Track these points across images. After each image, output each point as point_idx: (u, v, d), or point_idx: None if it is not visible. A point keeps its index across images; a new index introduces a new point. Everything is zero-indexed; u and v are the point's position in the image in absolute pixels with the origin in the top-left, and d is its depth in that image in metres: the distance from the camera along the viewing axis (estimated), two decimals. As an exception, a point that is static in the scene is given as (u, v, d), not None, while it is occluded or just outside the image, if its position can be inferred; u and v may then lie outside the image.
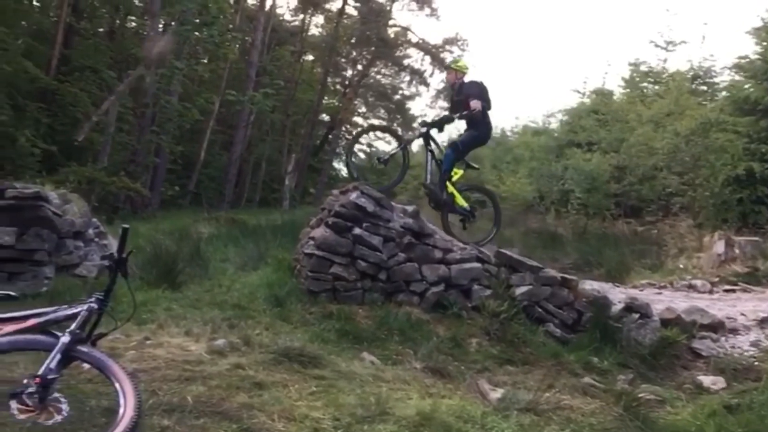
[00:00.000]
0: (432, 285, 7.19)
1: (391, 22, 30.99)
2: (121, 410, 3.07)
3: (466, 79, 8.10)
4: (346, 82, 34.06)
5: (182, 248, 8.50)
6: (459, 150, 7.86)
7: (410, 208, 7.53)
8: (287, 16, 32.53)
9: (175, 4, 16.65)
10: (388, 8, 30.45)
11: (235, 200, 24.72)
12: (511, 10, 74.84)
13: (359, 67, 33.03)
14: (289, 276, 7.76)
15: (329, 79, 32.33)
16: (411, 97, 34.56)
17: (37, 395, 2.97)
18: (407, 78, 33.54)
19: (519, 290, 7.22)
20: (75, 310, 3.49)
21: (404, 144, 8.07)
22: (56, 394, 3.05)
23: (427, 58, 31.78)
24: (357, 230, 7.03)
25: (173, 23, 16.98)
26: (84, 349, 3.34)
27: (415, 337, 6.37)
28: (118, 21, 24.87)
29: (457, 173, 7.91)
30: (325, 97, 32.04)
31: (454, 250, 7.39)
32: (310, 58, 33.78)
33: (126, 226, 3.71)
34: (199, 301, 6.72)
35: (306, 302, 6.84)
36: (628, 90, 21.03)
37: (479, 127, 7.94)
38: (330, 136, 34.47)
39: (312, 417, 3.81)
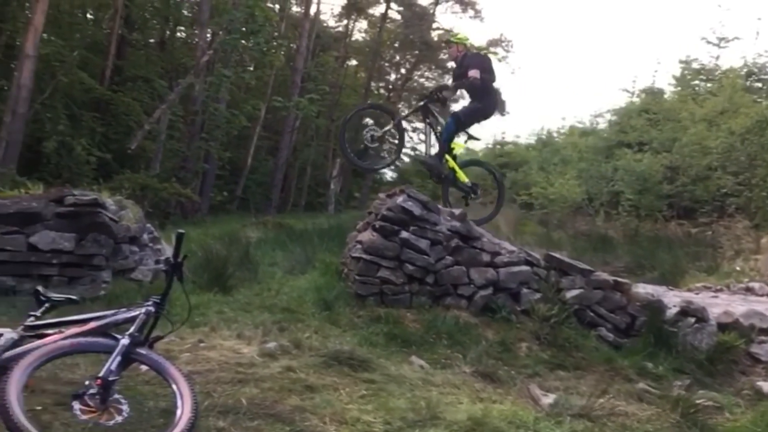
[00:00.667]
0: (480, 288, 7.12)
1: (434, 25, 30.95)
2: (179, 411, 3.14)
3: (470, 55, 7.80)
4: (390, 86, 34.17)
5: (232, 253, 8.63)
6: (460, 120, 7.50)
7: (457, 212, 7.49)
8: (331, 22, 32.86)
9: (223, 14, 16.99)
10: (432, 11, 30.45)
11: (281, 205, 25.05)
12: (556, 8, 73.82)
13: (403, 70, 33.11)
14: (336, 280, 7.81)
15: (373, 84, 32.49)
16: (455, 100, 34.45)
17: (98, 396, 3.05)
18: (451, 80, 33.41)
19: (570, 294, 7.10)
20: (133, 314, 3.59)
21: (398, 120, 7.69)
22: (117, 395, 3.14)
23: (472, 60, 31.63)
24: (404, 234, 7.02)
25: (221, 33, 17.32)
26: (142, 351, 3.43)
27: (463, 341, 6.33)
28: (167, 32, 25.56)
29: (458, 145, 7.58)
30: (369, 102, 32.17)
31: (502, 253, 7.31)
32: (354, 62, 34.02)
33: (181, 231, 3.80)
34: (250, 304, 6.81)
35: (354, 306, 6.87)
36: (679, 88, 20.47)
37: (482, 98, 7.58)
38: (374, 140, 34.56)
39: (363, 420, 3.82)
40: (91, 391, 3.07)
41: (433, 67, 33.05)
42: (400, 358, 5.66)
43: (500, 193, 8.32)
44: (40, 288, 4.00)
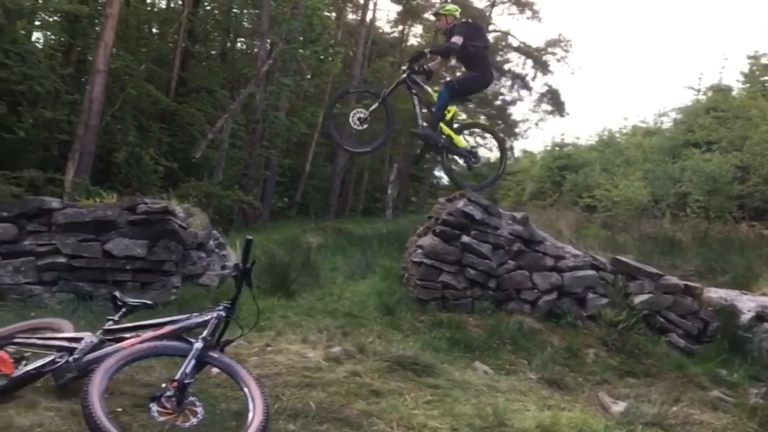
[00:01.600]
0: (544, 293, 7.02)
1: (490, 27, 30.67)
2: (251, 414, 3.21)
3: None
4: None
5: (294, 258, 8.76)
6: (454, 88, 7.23)
7: (519, 215, 7.40)
8: (386, 28, 33.03)
9: (282, 24, 17.31)
10: (488, 13, 30.18)
11: (339, 210, 25.30)
12: (616, 5, 71.96)
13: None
14: (397, 284, 7.84)
15: (428, 88, 32.42)
16: (512, 102, 34.03)
17: (174, 398, 3.15)
18: (508, 83, 33.05)
19: (638, 299, 6.92)
20: (205, 318, 3.70)
21: (382, 97, 7.40)
22: (191, 398, 3.23)
23: (529, 62, 31.19)
24: (465, 238, 6.99)
25: (280, 43, 17.65)
26: (215, 354, 3.53)
27: (528, 347, 6.25)
28: (228, 43, 26.26)
29: (450, 110, 7.27)
30: (425, 106, 32.15)
31: (566, 257, 7.19)
32: (410, 67, 34.02)
33: (249, 237, 3.90)
34: (313, 309, 6.90)
35: (415, 310, 6.88)
36: (748, 85, 19.63)
37: (478, 67, 7.31)
38: (431, 145, 34.53)
39: (430, 426, 3.81)
40: (168, 393, 3.17)
41: (490, 69, 32.76)
42: (464, 364, 5.63)
43: (502, 154, 8.05)
44: (117, 293, 4.17)
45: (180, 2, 22.70)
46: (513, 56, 32.02)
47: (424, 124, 7.41)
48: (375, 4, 26.57)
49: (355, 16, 29.62)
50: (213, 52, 25.91)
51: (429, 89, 7.48)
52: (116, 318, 3.96)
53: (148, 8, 23.33)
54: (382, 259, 10.42)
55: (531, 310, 6.95)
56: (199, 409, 3.19)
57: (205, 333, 3.55)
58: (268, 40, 18.68)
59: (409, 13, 30.41)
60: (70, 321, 4.35)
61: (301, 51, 16.75)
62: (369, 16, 26.45)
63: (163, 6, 25.03)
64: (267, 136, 18.06)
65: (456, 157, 7.83)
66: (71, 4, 15.01)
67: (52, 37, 20.98)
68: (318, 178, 25.81)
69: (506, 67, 32.40)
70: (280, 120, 18.15)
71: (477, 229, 7.04)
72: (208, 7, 24.16)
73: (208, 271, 7.19)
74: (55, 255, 6.08)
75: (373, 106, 7.53)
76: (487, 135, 8.95)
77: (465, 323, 6.53)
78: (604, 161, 19.31)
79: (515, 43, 31.20)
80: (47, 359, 3.53)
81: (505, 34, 31.45)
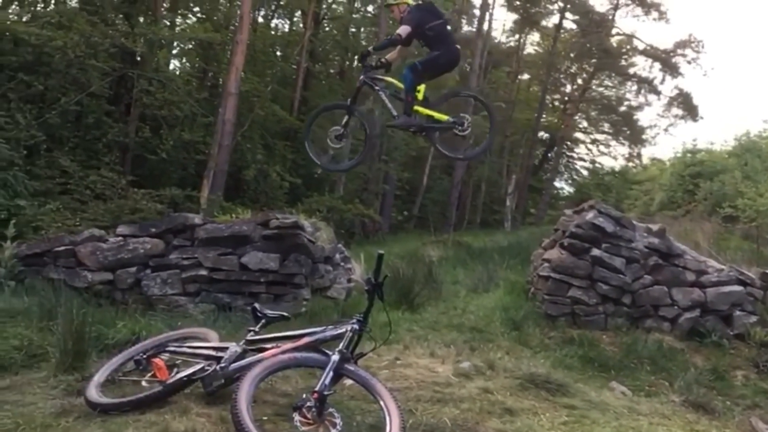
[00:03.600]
0: (685, 310, 6.59)
1: (613, 31, 29.46)
2: (387, 428, 3.23)
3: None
4: (566, 98, 33.03)
5: (416, 271, 8.79)
6: (418, 69, 6.54)
7: (655, 227, 7.01)
8: (502, 38, 32.63)
9: (399, 40, 17.56)
10: (611, 17, 28.97)
11: (456, 223, 25.18)
12: (750, 3, 66.80)
13: (579, 81, 31.83)
14: (523, 299, 7.67)
15: (547, 97, 31.62)
16: (639, 108, 32.31)
17: (315, 409, 3.23)
18: (634, 88, 31.45)
19: (793, 317, 6.31)
20: (340, 331, 3.77)
21: (350, 107, 6.86)
22: (331, 409, 3.30)
23: (657, 65, 29.51)
24: (596, 251, 6.72)
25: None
26: (351, 367, 3.58)
27: (668, 368, 5.88)
28: (347, 61, 27.10)
29: (420, 90, 6.59)
30: (544, 115, 31.36)
31: (708, 272, 6.71)
32: (527, 76, 33.43)
33: (381, 252, 3.94)
34: (438, 323, 6.89)
35: (544, 326, 6.69)
36: None
37: (440, 45, 6.64)
38: (550, 155, 33.63)
39: (569, 448, 3.66)
40: (309, 403, 3.25)
41: (613, 74, 31.37)
42: (599, 384, 5.39)
43: (491, 120, 7.38)
44: (256, 305, 4.35)
45: (302, 25, 23.76)
46: (639, 59, 30.49)
47: (395, 113, 7.05)
48: (491, 15, 26.35)
49: (470, 28, 29.54)
50: (332, 71, 26.84)
51: (392, 79, 7.17)
52: (256, 329, 4.13)
53: (273, 32, 24.60)
54: (505, 272, 10.25)
55: (670, 327, 6.55)
56: (338, 420, 3.25)
57: (341, 345, 3.62)
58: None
59: (526, 21, 29.85)
60: (213, 330, 4.60)
61: (418, 66, 16.91)
62: (485, 26, 26.24)
63: (286, 29, 26.32)
64: (386, 150, 18.35)
65: (445, 131, 7.28)
66: (206, 33, 16.10)
67: (188, 64, 22.66)
68: (435, 191, 25.87)
69: (631, 71, 30.85)
70: (398, 135, 18.40)
71: (609, 241, 6.74)
72: (327, 28, 25.09)
73: (335, 284, 7.38)
74: (198, 268, 6.48)
75: (344, 120, 7.29)
76: (471, 101, 8.19)
77: (598, 341, 6.26)
78: (746, 168, 17.87)
79: (641, 46, 29.68)
80: (197, 367, 3.74)
81: (630, 36, 30.00)
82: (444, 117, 6.96)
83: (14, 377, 4.45)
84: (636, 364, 5.88)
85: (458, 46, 7.09)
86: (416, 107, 6.75)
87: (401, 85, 6.90)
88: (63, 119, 13.94)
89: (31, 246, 6.63)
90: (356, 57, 26.78)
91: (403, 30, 6.66)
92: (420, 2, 7.08)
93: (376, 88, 7.15)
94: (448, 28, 6.83)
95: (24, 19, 15.28)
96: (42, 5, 18.16)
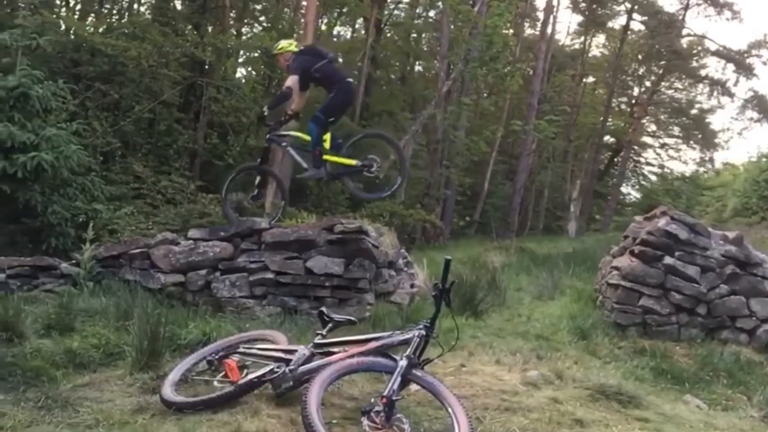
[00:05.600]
0: (763, 321, 6.32)
1: (684, 32, 28.45)
2: (456, 435, 3.20)
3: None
4: (633, 101, 32.10)
5: (480, 278, 8.70)
6: (321, 119, 6.87)
7: (732, 234, 6.72)
8: (566, 41, 32.06)
9: (462, 44, 17.51)
10: (681, 17, 28.00)
11: (518, 228, 24.84)
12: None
13: (647, 83, 30.87)
14: (591, 307, 7.48)
15: (614, 100, 30.83)
16: (711, 110, 31.09)
17: (384, 414, 3.25)
18: (706, 90, 30.27)
19: None
20: (407, 336, 3.78)
21: (260, 168, 7.40)
22: (399, 414, 3.30)
23: (730, 66, 28.32)
24: (668, 259, 6.49)
25: (458, 63, 17.86)
26: (418, 373, 3.58)
27: (746, 381, 5.62)
28: (408, 67, 27.18)
29: (326, 139, 6.92)
30: (610, 119, 30.57)
31: (790, 282, 6.38)
32: (592, 79, 32.69)
33: (448, 257, 3.93)
34: (502, 330, 6.80)
35: (613, 336, 6.52)
36: None
37: (331, 86, 6.91)
38: (616, 160, 32.76)
39: (644, 463, 3.54)
40: (377, 408, 3.27)
41: (683, 76, 30.31)
42: (673, 396, 5.20)
43: (400, 158, 7.47)
44: (324, 309, 4.41)
45: (363, 32, 24.00)
46: (710, 61, 29.35)
47: (307, 166, 7.16)
48: (555, 17, 25.89)
49: (533, 31, 29.15)
50: (392, 77, 26.98)
51: (298, 133, 7.35)
52: (324, 332, 4.18)
53: (334, 39, 24.94)
54: (570, 280, 10.03)
55: (748, 339, 6.28)
56: (406, 426, 3.25)
57: (408, 351, 3.62)
58: (445, 61, 18.99)
59: (591, 23, 29.21)
60: (281, 333, 4.67)
61: (480, 70, 16.79)
62: (548, 29, 25.82)
63: (348, 37, 26.65)
64: (447, 155, 18.29)
65: (357, 175, 7.34)
66: (272, 41, 16.45)
67: (253, 72, 23.21)
68: (497, 196, 25.60)
69: (703, 72, 29.72)
70: (459, 139, 18.31)
71: (682, 249, 6.51)
72: (389, 34, 25.23)
73: (399, 289, 7.38)
74: (265, 271, 6.60)
75: (257, 180, 7.39)
76: (381, 141, 8.24)
77: (671, 352, 6.05)
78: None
79: (713, 47, 28.56)
80: (267, 369, 3.82)
81: (701, 37, 28.91)
82: (352, 162, 7.10)
83: (93, 374, 4.64)
84: (711, 376, 5.65)
85: (350, 80, 7.33)
86: (326, 157, 6.96)
87: (308, 138, 7.08)
88: (137, 126, 14.54)
89: (108, 248, 6.91)
90: (417, 62, 26.87)
91: (291, 80, 6.85)
92: (302, 48, 7.21)
93: (283, 144, 7.49)
94: (335, 65, 7.05)
95: (100, 31, 16.02)
96: (116, 17, 19.02)
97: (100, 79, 14.05)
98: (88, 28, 15.49)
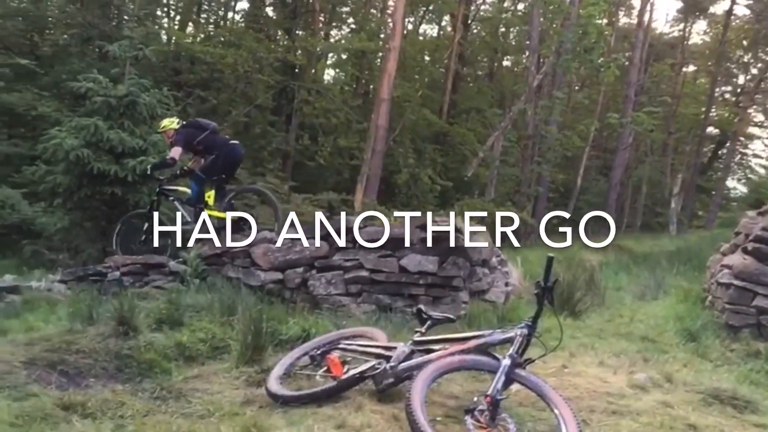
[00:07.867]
0: None
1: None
2: (564, 437, 3.11)
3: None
4: (739, 90, 30.19)
5: (577, 277, 8.44)
6: (202, 179, 7.63)
7: None
8: (664, 28, 30.58)
9: (554, 37, 17.07)
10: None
11: (616, 226, 23.95)
12: None
13: (754, 71, 28.96)
14: (699, 308, 7.10)
15: (717, 89, 29.11)
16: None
17: (488, 413, 3.20)
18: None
19: None
20: (509, 335, 3.70)
21: (149, 215, 7.82)
22: (504, 414, 3.25)
23: None
24: (787, 257, 6.03)
25: (550, 56, 17.42)
26: (522, 373, 3.50)
27: None
28: (495, 63, 26.78)
29: (210, 196, 7.58)
30: (713, 109, 28.90)
31: None
32: (692, 68, 31.04)
33: (551, 255, 3.81)
34: (603, 331, 6.54)
35: (725, 338, 6.14)
36: None
37: (213, 152, 7.61)
38: (721, 152, 30.93)
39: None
40: (481, 407, 3.23)
41: (796, 62, 28.19)
42: (793, 403, 4.81)
43: (275, 210, 7.74)
44: (422, 307, 4.41)
45: (450, 29, 23.87)
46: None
47: (190, 219, 7.74)
48: (652, 4, 24.73)
49: (628, 20, 28.01)
50: (480, 73, 26.68)
51: (184, 188, 7.95)
52: (423, 330, 4.17)
53: (421, 38, 24.96)
54: (675, 279, 9.59)
55: None
56: (512, 426, 3.19)
57: (511, 350, 3.55)
58: (536, 54, 18.58)
59: (692, 9, 27.71)
60: (380, 330, 4.71)
61: (573, 62, 16.28)
62: (646, 17, 24.70)
63: (434, 34, 26.59)
64: (539, 151, 17.88)
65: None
66: (360, 42, 16.68)
67: (342, 73, 23.64)
68: (591, 192, 24.82)
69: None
70: (551, 134, 17.86)
71: (801, 246, 6.03)
72: (476, 30, 24.97)
73: (493, 288, 7.27)
74: (359, 269, 6.68)
75: (145, 226, 7.80)
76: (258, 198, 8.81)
77: (788, 355, 5.61)
78: None
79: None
80: (368, 365, 3.86)
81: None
82: (222, 215, 7.56)
83: (201, 367, 4.86)
84: (837, 383, 5.20)
85: (235, 142, 7.98)
86: (209, 212, 7.54)
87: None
88: (234, 130, 15.13)
89: (212, 247, 7.22)
90: (505, 57, 26.38)
91: (175, 152, 7.60)
92: (185, 122, 7.93)
93: (170, 198, 8.02)
94: (216, 135, 7.72)
95: (198, 40, 16.81)
96: (213, 26, 19.87)
97: (200, 85, 14.75)
98: (187, 38, 16.29)
